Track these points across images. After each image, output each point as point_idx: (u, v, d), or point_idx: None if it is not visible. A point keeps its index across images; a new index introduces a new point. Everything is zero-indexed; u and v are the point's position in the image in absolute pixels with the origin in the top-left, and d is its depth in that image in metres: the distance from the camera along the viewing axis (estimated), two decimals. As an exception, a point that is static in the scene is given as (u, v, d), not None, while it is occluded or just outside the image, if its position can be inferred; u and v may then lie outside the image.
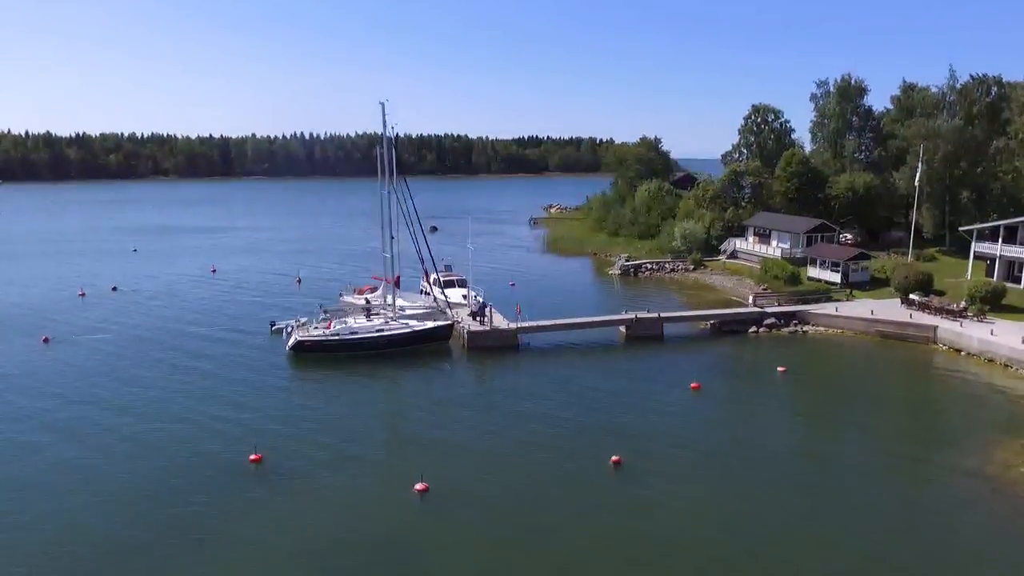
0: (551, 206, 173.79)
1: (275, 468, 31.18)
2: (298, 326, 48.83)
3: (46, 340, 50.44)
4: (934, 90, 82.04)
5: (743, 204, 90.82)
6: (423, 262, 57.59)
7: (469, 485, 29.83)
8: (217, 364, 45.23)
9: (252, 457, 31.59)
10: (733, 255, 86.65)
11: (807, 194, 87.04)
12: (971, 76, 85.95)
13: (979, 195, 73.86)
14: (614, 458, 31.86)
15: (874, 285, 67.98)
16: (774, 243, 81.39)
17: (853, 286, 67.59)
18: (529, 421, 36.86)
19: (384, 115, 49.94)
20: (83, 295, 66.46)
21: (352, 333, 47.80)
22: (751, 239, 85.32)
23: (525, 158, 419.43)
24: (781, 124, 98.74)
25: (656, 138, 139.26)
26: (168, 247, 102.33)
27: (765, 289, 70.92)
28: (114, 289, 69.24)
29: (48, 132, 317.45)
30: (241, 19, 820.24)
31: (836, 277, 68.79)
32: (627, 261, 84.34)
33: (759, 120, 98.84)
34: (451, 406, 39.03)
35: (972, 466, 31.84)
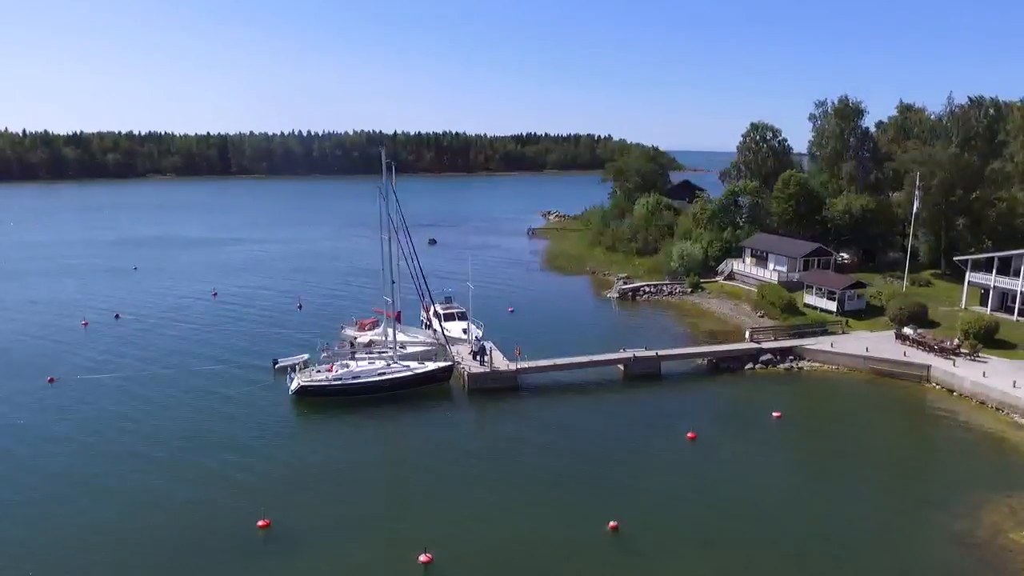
0: (549, 213, 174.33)
1: (282, 535, 31.89)
2: (300, 369, 49.50)
3: (51, 380, 51.02)
4: (931, 114, 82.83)
5: (741, 225, 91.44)
6: (423, 297, 58.30)
7: (471, 556, 30.57)
8: (222, 410, 45.86)
9: (260, 523, 32.30)
10: (730, 276, 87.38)
11: (804, 216, 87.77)
12: (969, 99, 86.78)
13: (974, 222, 74.56)
14: (611, 524, 32.61)
15: (870, 313, 68.82)
16: (771, 266, 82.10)
17: (848, 314, 68.39)
18: (529, 478, 37.60)
19: (383, 163, 50.18)
20: (86, 324, 67.00)
21: (354, 377, 48.48)
22: (748, 261, 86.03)
23: (523, 156, 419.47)
24: (779, 143, 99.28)
25: (654, 148, 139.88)
26: (168, 264, 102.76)
27: (761, 316, 71.91)
28: (117, 317, 69.75)
29: (45, 131, 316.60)
30: (237, 13, 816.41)
31: (832, 305, 69.56)
32: (625, 284, 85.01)
33: (757, 137, 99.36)
34: (452, 462, 39.68)
35: (962, 531, 32.66)
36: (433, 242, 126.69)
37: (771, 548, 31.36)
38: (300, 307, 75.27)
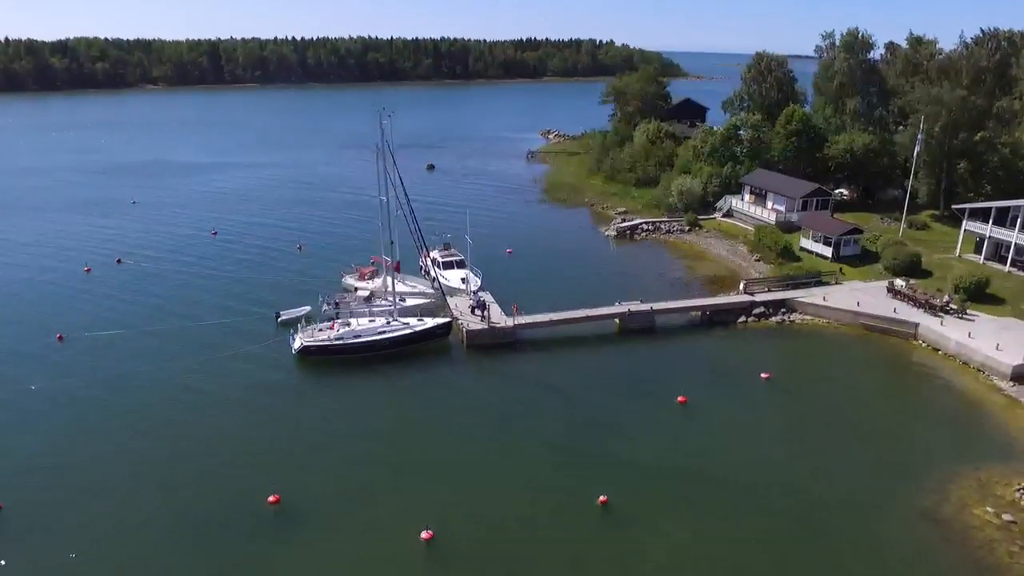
0: (549, 132, 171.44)
1: (292, 510, 33.95)
2: (303, 326, 50.72)
3: (60, 338, 52.30)
4: (941, 49, 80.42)
5: (741, 160, 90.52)
6: (422, 250, 58.90)
7: (469, 532, 32.70)
8: (229, 372, 47.23)
9: (271, 499, 34.30)
10: (728, 214, 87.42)
11: (806, 153, 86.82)
12: (981, 31, 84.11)
13: (976, 166, 73.94)
14: (602, 498, 34.64)
15: (865, 259, 69.48)
16: (769, 204, 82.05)
17: (844, 260, 69.14)
18: (524, 448, 39.52)
19: (381, 124, 49.52)
20: (89, 271, 67.75)
21: (355, 336, 49.76)
22: (747, 198, 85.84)
23: (523, 62, 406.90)
24: (784, 73, 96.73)
25: (656, 68, 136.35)
26: (165, 196, 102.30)
27: (757, 259, 72.64)
28: (119, 262, 70.39)
29: (30, 39, 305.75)
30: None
31: (827, 251, 70.17)
32: (623, 222, 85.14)
33: (762, 68, 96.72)
34: (451, 431, 41.33)
35: (930, 506, 34.73)
36: (432, 167, 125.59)
37: (749, 523, 33.47)
38: (300, 248, 75.78)
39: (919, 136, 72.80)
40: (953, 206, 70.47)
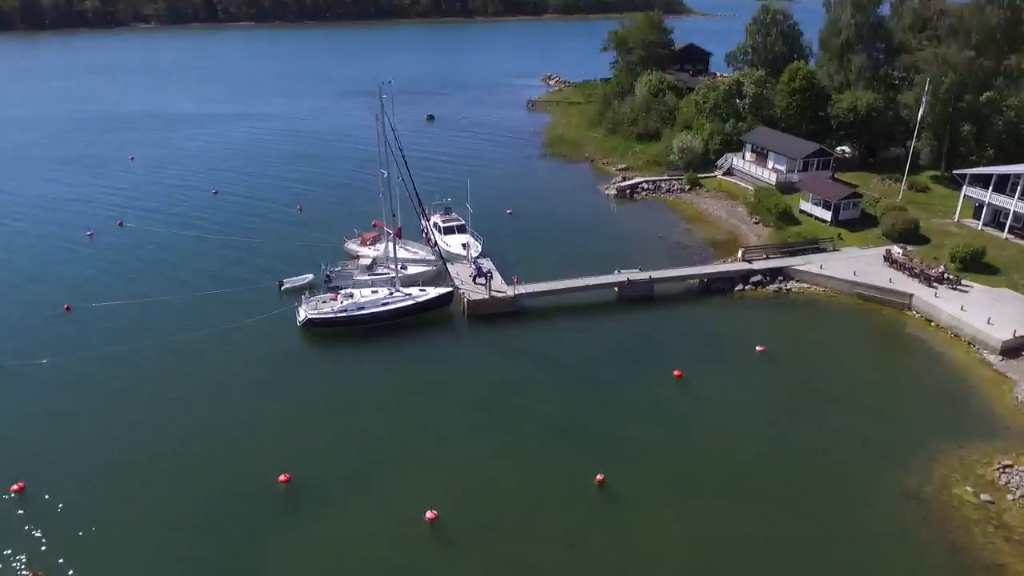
0: (550, 77, 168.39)
1: (302, 490, 35.51)
2: (306, 298, 51.55)
3: (67, 308, 53.16)
4: (950, 6, 78.70)
5: (743, 116, 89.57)
6: (421, 216, 59.16)
7: (471, 511, 34.31)
8: (235, 345, 48.28)
9: (281, 478, 35.80)
10: (729, 172, 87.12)
11: (809, 111, 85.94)
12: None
13: (980, 129, 73.40)
14: (599, 477, 36.17)
15: (864, 222, 69.75)
16: (770, 164, 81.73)
17: (843, 224, 69.48)
18: (524, 424, 40.96)
19: (381, 99, 49.12)
20: (92, 235, 68.09)
21: (359, 308, 50.65)
22: (748, 157, 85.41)
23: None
24: (791, 26, 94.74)
25: (659, 15, 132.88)
26: (164, 151, 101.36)
27: (756, 222, 72.97)
28: (120, 225, 70.66)
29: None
30: None
31: (827, 215, 70.41)
32: (623, 180, 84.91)
33: (768, 20, 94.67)
34: (453, 407, 42.53)
35: (912, 485, 36.28)
36: (431, 118, 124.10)
37: (740, 502, 35.09)
38: (300, 209, 75.86)
39: (924, 97, 72.06)
40: (954, 171, 70.31)
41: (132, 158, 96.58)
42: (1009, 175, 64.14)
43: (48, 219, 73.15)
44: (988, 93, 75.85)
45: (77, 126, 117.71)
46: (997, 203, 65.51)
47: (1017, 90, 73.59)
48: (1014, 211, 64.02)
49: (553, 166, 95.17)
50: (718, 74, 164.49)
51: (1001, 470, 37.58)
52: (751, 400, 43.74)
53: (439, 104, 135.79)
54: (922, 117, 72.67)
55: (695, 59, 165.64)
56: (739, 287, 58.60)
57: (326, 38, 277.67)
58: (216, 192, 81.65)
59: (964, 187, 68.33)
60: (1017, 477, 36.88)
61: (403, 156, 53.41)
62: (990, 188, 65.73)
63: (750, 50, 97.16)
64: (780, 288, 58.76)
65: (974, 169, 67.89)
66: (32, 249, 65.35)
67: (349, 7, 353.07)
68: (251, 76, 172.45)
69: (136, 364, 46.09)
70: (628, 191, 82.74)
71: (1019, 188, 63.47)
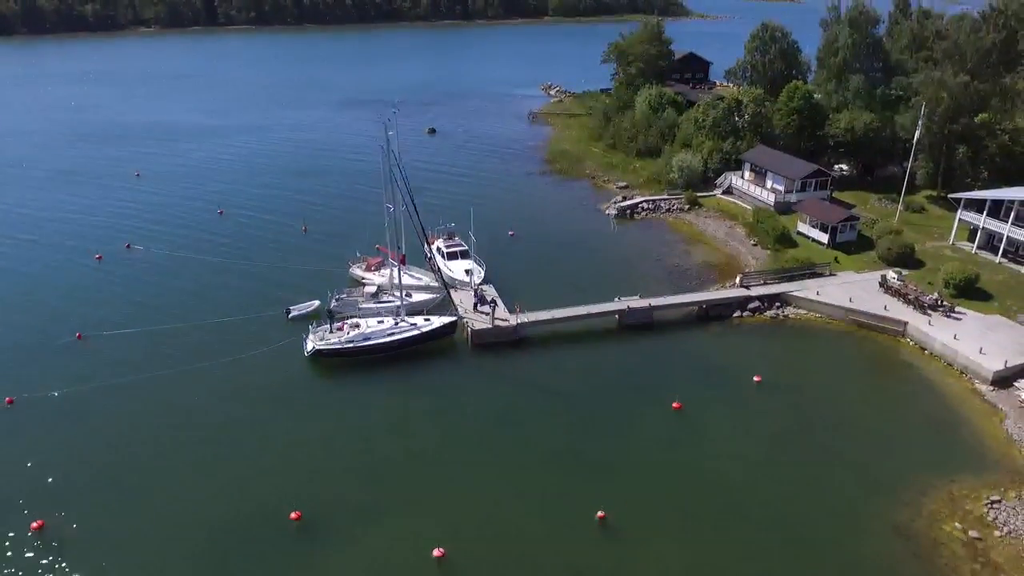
0: (550, 86, 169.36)
1: (313, 526, 36.69)
2: (313, 328, 52.67)
3: (79, 337, 54.29)
4: (960, 10, 79.84)
5: (742, 134, 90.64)
6: (424, 243, 60.11)
7: (476, 547, 35.52)
8: (244, 377, 49.32)
9: (292, 515, 36.98)
10: (728, 191, 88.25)
11: (807, 130, 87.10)
12: (990, 7, 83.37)
13: (975, 152, 74.55)
14: (600, 514, 37.36)
15: (860, 246, 70.90)
16: (769, 183, 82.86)
17: (839, 247, 70.67)
18: (528, 458, 42.23)
19: (387, 134, 50.22)
20: (100, 258, 69.17)
21: (365, 339, 51.77)
22: (747, 175, 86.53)
23: (524, 1, 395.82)
24: (789, 44, 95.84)
25: (659, 23, 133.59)
26: (168, 167, 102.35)
27: (755, 244, 74.09)
28: (128, 247, 71.72)
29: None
30: None
31: (824, 237, 71.60)
32: (623, 201, 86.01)
33: (767, 38, 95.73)
34: (459, 440, 44.07)
35: (903, 521, 37.48)
36: (433, 131, 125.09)
37: (737, 537, 36.31)
38: (305, 230, 76.90)
39: (920, 120, 73.19)
40: (949, 195, 71.44)
41: (138, 174, 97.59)
42: (1003, 200, 65.30)
43: (58, 239, 74.09)
44: (983, 115, 77.03)
45: (81, 137, 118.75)
46: (991, 228, 66.69)
47: (1012, 111, 74.66)
48: (1008, 236, 65.20)
49: (554, 183, 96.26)
50: (718, 83, 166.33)
51: (989, 505, 38.79)
52: (748, 433, 44.89)
53: (440, 115, 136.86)
54: (918, 139, 73.80)
55: (695, 68, 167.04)
56: (737, 313, 59.76)
57: (326, 43, 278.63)
58: (222, 212, 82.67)
59: (959, 211, 69.50)
60: (1004, 513, 38.10)
61: (408, 188, 54.41)
62: (984, 213, 66.91)
63: (749, 68, 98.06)
64: (777, 314, 59.93)
65: (969, 193, 69.07)
66: (43, 272, 66.38)
67: (349, 10, 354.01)
68: (250, 84, 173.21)
69: (147, 397, 47.20)
70: (628, 211, 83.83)
71: (1012, 213, 64.67)
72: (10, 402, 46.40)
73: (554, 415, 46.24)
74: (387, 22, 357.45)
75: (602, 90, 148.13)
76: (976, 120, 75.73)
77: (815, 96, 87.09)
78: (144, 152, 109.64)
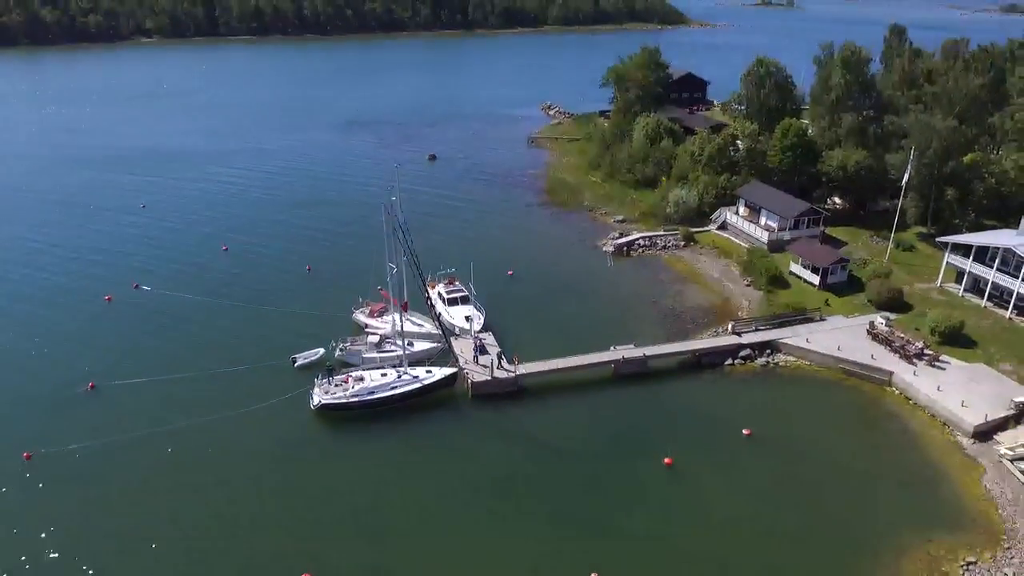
0: (549, 107, 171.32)
1: (320, 591, 38.60)
2: (319, 382, 54.54)
3: (92, 387, 56.15)
4: (936, 72, 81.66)
5: (737, 170, 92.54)
6: (424, 288, 61.70)
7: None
8: (254, 430, 51.24)
9: (302, 579, 38.93)
10: (723, 226, 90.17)
11: (801, 168, 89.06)
12: (979, 47, 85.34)
13: (963, 194, 76.49)
14: (593, 575, 39.25)
15: (851, 286, 72.75)
16: (763, 220, 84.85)
17: (830, 288, 72.56)
18: (524, 516, 44.22)
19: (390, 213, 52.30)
20: (110, 299, 71.02)
21: (370, 393, 53.70)
22: (742, 211, 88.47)
23: (523, 11, 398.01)
24: (785, 79, 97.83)
25: (656, 49, 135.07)
26: (172, 195, 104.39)
27: (748, 284, 75.99)
28: (136, 287, 73.52)
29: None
30: None
31: (815, 279, 73.48)
32: (620, 237, 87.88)
33: (762, 72, 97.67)
34: (458, 497, 45.96)
35: (882, 586, 39.38)
36: (434, 158, 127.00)
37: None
38: (309, 269, 78.70)
39: (910, 161, 75.11)
40: (937, 239, 73.33)
41: (144, 206, 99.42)
42: (987, 248, 67.17)
43: (67, 278, 75.81)
44: (972, 155, 79.03)
45: (84, 163, 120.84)
46: (977, 272, 68.55)
47: (999, 150, 76.65)
48: (993, 281, 67.06)
49: (552, 216, 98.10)
50: (715, 103, 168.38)
51: (965, 567, 40.66)
52: (736, 491, 46.70)
53: (441, 139, 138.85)
54: (908, 179, 75.63)
55: (693, 88, 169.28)
56: (729, 361, 61.61)
57: (327, 56, 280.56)
58: (226, 248, 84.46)
59: (946, 254, 71.39)
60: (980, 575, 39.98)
61: (410, 245, 56.20)
62: (970, 257, 68.78)
63: (744, 102, 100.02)
64: (768, 362, 61.81)
65: (955, 237, 70.93)
66: (55, 314, 67.95)
67: (350, 20, 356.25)
68: (251, 104, 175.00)
69: (159, 453, 49.00)
70: (625, 248, 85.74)
71: (997, 259, 66.54)
72: (28, 457, 48.22)
73: (550, 472, 48.10)
74: (387, 32, 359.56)
75: (601, 112, 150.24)
76: (964, 162, 77.63)
77: (809, 133, 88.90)
78: (147, 180, 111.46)
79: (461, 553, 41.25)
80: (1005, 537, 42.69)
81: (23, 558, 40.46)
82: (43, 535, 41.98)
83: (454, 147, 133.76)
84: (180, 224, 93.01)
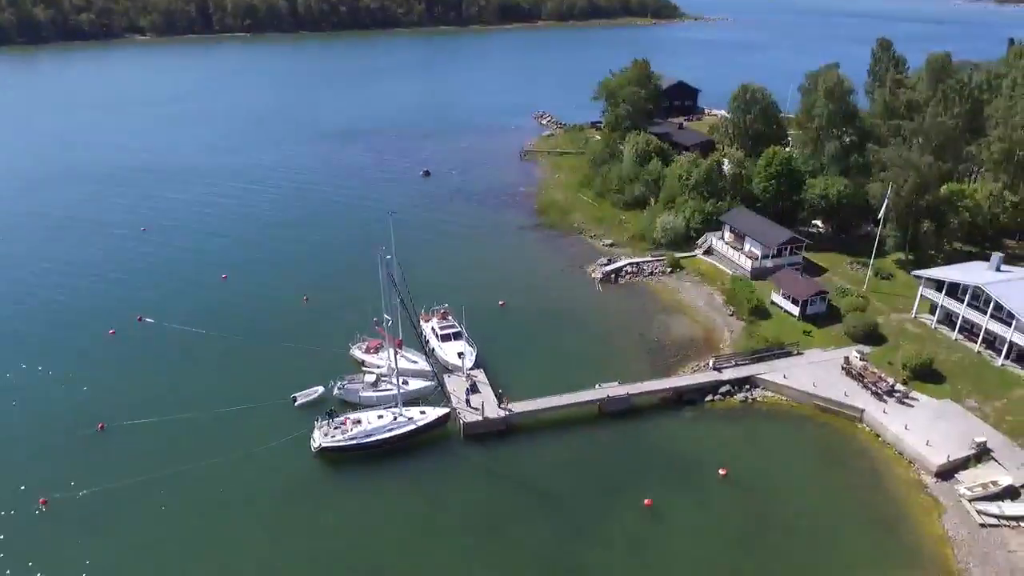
0: (542, 116, 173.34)
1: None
2: (319, 425, 57.39)
3: (102, 428, 58.90)
4: (917, 101, 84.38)
5: (723, 196, 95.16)
6: (416, 324, 64.20)
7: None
8: (255, 470, 54.17)
9: (303, 629, 41.94)
10: (708, 251, 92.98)
11: (784, 195, 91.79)
12: (956, 81, 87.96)
13: (939, 225, 79.38)
14: (576, 624, 42.44)
15: (830, 318, 75.59)
16: (747, 247, 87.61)
17: (809, 319, 75.53)
18: (508, 556, 47.43)
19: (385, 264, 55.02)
20: (113, 333, 73.58)
21: (367, 436, 56.65)
22: (727, 237, 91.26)
23: (518, 7, 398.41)
24: (770, 104, 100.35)
25: (646, 63, 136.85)
26: (171, 217, 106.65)
27: (731, 315, 78.88)
28: (140, 320, 76.06)
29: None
30: None
31: (795, 310, 76.42)
32: (608, 263, 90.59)
33: (748, 98, 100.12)
34: (447, 541, 49.34)
35: (843, 630, 42.56)
36: (427, 174, 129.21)
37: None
38: (306, 300, 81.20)
39: (888, 193, 77.94)
40: (912, 272, 76.33)
41: (144, 230, 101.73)
42: (958, 285, 70.12)
43: (70, 312, 78.19)
44: (948, 186, 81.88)
45: (79, 178, 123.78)
46: (949, 307, 71.55)
47: (975, 180, 79.46)
48: (963, 316, 70.06)
49: (543, 239, 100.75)
50: (707, 110, 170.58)
51: (919, 612, 43.86)
52: (710, 533, 49.78)
53: (434, 153, 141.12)
54: (887, 209, 78.41)
55: (684, 96, 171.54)
56: (709, 397, 64.61)
57: (322, 53, 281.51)
58: (225, 277, 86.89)
59: (920, 288, 74.37)
60: (932, 620, 43.17)
61: (406, 293, 58.90)
62: (943, 292, 71.76)
63: (731, 127, 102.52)
64: (747, 398, 64.80)
65: (928, 272, 73.95)
66: (60, 351, 70.45)
67: (344, 16, 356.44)
68: (245, 112, 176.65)
69: (168, 497, 51.80)
70: (612, 275, 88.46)
71: (967, 296, 69.54)
72: (44, 503, 51.04)
73: (535, 515, 51.10)
74: (382, 28, 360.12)
75: (593, 123, 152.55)
76: (940, 194, 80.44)
77: (793, 161, 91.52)
78: (145, 200, 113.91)
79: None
80: (959, 579, 45.87)
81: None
82: (62, 583, 44.89)
83: (447, 162, 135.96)
84: (181, 250, 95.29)
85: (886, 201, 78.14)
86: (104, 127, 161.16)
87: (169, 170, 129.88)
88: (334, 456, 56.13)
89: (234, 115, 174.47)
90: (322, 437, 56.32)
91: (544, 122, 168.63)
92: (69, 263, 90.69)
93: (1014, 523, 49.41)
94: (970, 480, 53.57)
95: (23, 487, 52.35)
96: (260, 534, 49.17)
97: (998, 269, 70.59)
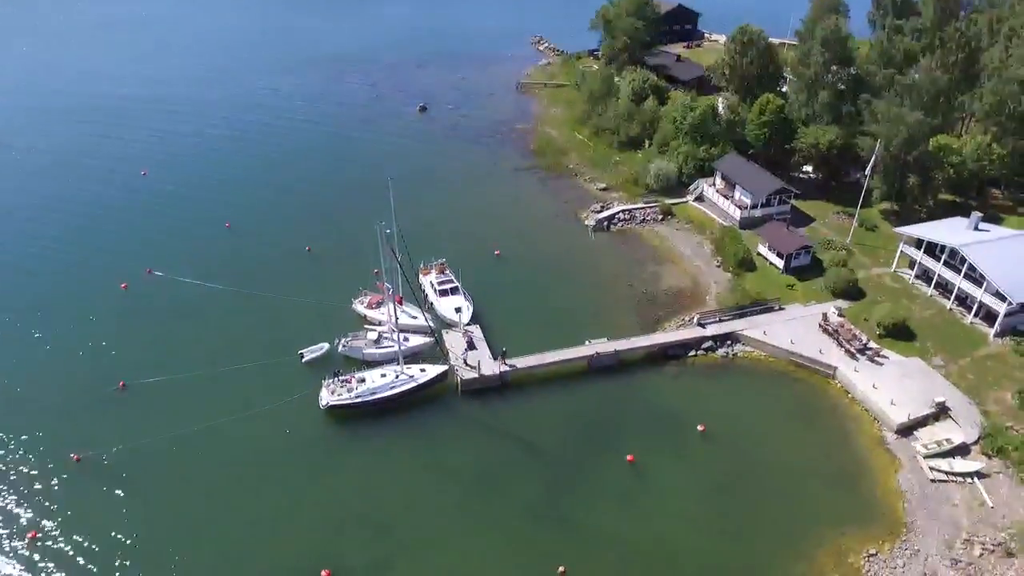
0: (540, 41, 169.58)
1: (336, 585, 47.10)
2: (327, 383, 61.46)
3: (123, 386, 62.96)
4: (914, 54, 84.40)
5: (716, 141, 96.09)
6: (419, 287, 67.33)
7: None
8: (269, 427, 58.65)
9: (324, 573, 47.20)
10: (700, 198, 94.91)
11: (776, 143, 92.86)
12: (955, 28, 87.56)
13: (925, 180, 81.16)
14: (561, 568, 47.81)
15: (814, 270, 78.62)
16: (737, 196, 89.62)
17: (794, 271, 78.68)
18: (504, 512, 52.53)
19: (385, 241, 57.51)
20: (125, 287, 76.56)
21: (372, 393, 60.88)
22: (718, 183, 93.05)
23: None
24: (767, 48, 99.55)
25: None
26: (170, 158, 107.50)
27: (718, 266, 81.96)
28: (149, 272, 78.81)
29: None
30: None
31: (780, 263, 79.44)
32: (601, 211, 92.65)
33: (744, 40, 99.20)
34: (445, 496, 54.27)
35: (797, 574, 47.94)
36: (424, 109, 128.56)
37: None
38: (309, 250, 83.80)
39: (876, 150, 79.42)
40: (895, 228, 78.87)
41: (144, 173, 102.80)
42: (936, 245, 72.80)
43: (80, 268, 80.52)
44: (937, 138, 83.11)
45: (65, 112, 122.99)
46: (926, 264, 74.54)
47: (965, 131, 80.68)
48: (939, 273, 73.13)
49: (538, 182, 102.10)
50: (707, 35, 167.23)
51: (867, 558, 49.18)
52: (688, 488, 54.72)
53: (430, 85, 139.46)
54: (875, 162, 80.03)
55: (684, 20, 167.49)
56: (692, 353, 68.54)
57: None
58: (229, 224, 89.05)
59: (900, 244, 77.10)
60: (876, 566, 48.54)
61: (407, 260, 61.73)
62: (922, 250, 74.56)
63: (727, 68, 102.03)
64: (728, 353, 68.75)
65: (908, 229, 76.51)
66: (75, 305, 73.59)
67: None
68: (238, 38, 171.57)
69: (189, 454, 56.39)
70: (606, 222, 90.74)
71: (944, 256, 72.39)
72: (77, 459, 55.65)
73: (527, 468, 55.99)
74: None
75: (590, 52, 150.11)
76: (930, 148, 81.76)
77: (785, 109, 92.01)
78: (141, 137, 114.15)
79: (442, 547, 49.62)
80: (905, 529, 51.01)
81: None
82: (108, 537, 50.06)
83: (444, 96, 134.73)
84: (182, 195, 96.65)
85: (875, 155, 79.66)
86: (91, 55, 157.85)
87: (165, 103, 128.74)
88: (341, 413, 60.48)
89: (226, 40, 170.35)
90: (329, 395, 60.51)
91: (542, 48, 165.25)
92: (73, 210, 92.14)
93: (961, 479, 54.25)
94: (927, 437, 58.13)
95: (56, 444, 56.81)
96: (275, 489, 53.96)
97: (976, 228, 73.04)
